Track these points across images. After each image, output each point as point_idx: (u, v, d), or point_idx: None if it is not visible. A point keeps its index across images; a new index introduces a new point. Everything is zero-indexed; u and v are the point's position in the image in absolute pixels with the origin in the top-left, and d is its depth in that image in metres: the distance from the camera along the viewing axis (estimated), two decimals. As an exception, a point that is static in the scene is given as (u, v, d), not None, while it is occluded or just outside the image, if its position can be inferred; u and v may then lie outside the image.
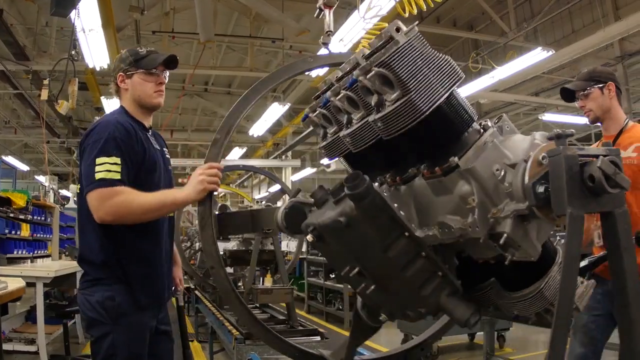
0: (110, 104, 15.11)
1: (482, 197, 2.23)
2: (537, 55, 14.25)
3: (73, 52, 8.78)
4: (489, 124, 2.40)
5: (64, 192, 23.90)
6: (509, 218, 2.17)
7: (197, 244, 12.02)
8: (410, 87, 2.18)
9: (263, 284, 8.57)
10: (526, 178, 2.15)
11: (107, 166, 3.43)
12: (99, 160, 3.44)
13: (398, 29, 2.25)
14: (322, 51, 4.21)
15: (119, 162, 3.48)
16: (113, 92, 4.02)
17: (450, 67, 2.29)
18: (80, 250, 3.77)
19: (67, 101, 9.38)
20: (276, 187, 31.82)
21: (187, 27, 15.63)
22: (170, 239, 4.01)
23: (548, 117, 20.22)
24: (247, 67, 17.73)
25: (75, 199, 16.63)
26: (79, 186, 3.75)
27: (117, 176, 3.44)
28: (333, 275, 14.58)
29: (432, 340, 3.53)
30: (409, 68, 2.20)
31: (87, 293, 3.61)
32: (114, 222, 3.45)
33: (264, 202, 8.97)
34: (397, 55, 2.19)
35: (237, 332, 6.54)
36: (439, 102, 2.22)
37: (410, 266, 2.39)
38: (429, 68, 2.23)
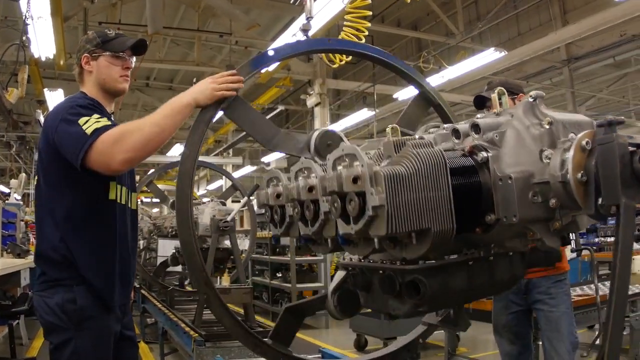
0: (54, 97, 14.65)
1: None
2: (489, 56, 14.31)
3: (24, 38, 8.38)
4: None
5: (2, 188, 23.29)
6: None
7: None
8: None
9: (220, 283, 8.27)
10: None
11: (93, 120, 3.16)
12: (81, 121, 3.16)
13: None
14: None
15: (102, 116, 3.25)
16: (75, 74, 3.74)
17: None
18: (38, 246, 3.46)
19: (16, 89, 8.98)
20: (215, 185, 31.62)
21: (133, 18, 15.32)
22: (134, 234, 3.73)
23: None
24: (192, 61, 17.45)
25: (16, 195, 16.15)
26: (36, 178, 3.50)
27: (109, 122, 3.19)
28: (280, 275, 14.38)
29: (418, 341, 3.33)
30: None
31: (45, 295, 3.29)
32: (136, 158, 3.12)
33: (216, 199, 8.66)
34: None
35: (196, 334, 6.24)
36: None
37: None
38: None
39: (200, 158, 20.11)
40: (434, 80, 15.71)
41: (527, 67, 18.27)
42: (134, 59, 3.76)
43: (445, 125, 2.50)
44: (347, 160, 2.01)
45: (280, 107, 20.65)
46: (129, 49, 3.66)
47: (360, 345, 10.45)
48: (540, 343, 5.18)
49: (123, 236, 3.54)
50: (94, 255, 3.34)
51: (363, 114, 19.90)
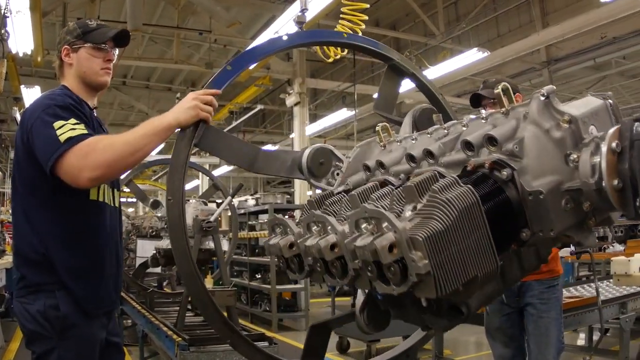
0: (31, 94, 14.36)
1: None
2: (472, 56, 14.28)
3: (3, 31, 8.17)
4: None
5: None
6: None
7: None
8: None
9: (202, 285, 8.12)
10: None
11: (69, 126, 3.00)
12: (57, 124, 3.00)
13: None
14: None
15: (79, 121, 3.07)
16: (55, 67, 3.58)
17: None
18: (16, 246, 3.30)
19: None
20: (192, 185, 31.33)
21: (112, 15, 15.12)
22: (118, 234, 3.58)
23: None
24: (171, 59, 17.28)
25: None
26: (12, 176, 3.37)
27: (85, 131, 3.02)
28: (259, 276, 14.23)
29: (418, 346, 3.22)
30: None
31: (26, 301, 3.13)
32: (104, 176, 2.97)
33: (197, 199, 8.51)
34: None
35: (180, 338, 6.07)
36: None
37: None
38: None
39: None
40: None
41: (506, 68, 18.28)
42: (117, 51, 3.60)
43: (448, 125, 2.37)
44: (372, 221, 1.83)
45: (260, 106, 20.48)
46: (111, 40, 3.50)
47: (343, 348, 10.34)
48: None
49: (106, 237, 3.38)
50: (75, 257, 3.18)
51: (342, 114, 19.76)
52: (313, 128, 20.08)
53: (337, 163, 2.83)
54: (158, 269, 9.72)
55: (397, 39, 19.97)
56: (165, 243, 8.13)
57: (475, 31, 17.80)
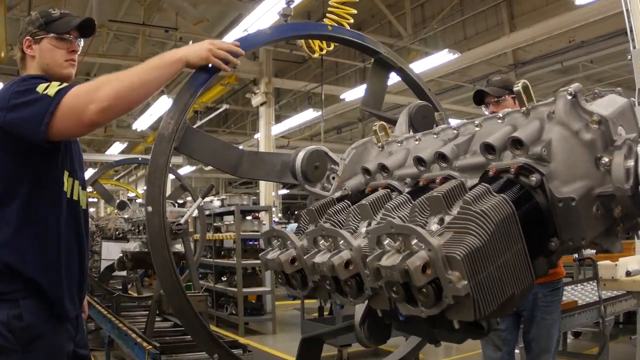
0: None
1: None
2: (443, 57, 14.23)
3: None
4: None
5: None
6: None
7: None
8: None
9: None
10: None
11: (55, 84, 2.81)
12: (39, 87, 2.79)
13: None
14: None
15: None
16: (17, 60, 3.33)
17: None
18: None
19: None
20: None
21: (77, 10, 14.76)
22: (86, 236, 3.35)
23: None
24: (136, 56, 17.00)
25: None
26: None
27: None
28: (225, 278, 14.02)
29: (412, 355, 3.09)
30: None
31: None
32: (113, 109, 2.72)
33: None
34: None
35: (150, 346, 5.85)
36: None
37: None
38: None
39: (141, 156, 19.66)
40: None
41: (472, 71, 18.32)
42: (82, 42, 3.35)
43: (457, 125, 2.20)
44: (399, 238, 1.63)
45: (225, 106, 20.26)
46: (75, 30, 3.27)
47: (312, 353, 10.10)
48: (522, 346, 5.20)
49: (76, 238, 3.18)
50: (44, 260, 2.96)
51: (308, 115, 19.62)
52: (278, 128, 19.91)
53: (332, 166, 2.64)
54: (123, 272, 9.49)
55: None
56: (132, 246, 7.93)
57: (442, 33, 17.80)
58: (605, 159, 1.74)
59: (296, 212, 21.59)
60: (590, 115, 1.79)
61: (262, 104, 18.09)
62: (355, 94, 17.85)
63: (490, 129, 2.04)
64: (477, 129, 2.11)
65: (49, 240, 2.99)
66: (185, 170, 27.86)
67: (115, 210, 10.14)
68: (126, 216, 9.07)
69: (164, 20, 16.08)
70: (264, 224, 14.55)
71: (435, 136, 2.27)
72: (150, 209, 2.31)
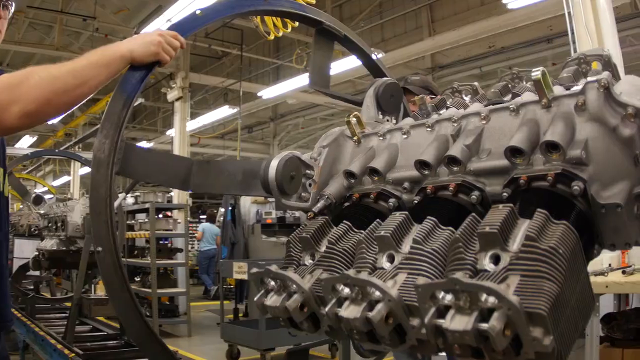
0: None
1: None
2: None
3: None
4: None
5: None
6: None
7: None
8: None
9: (94, 292, 7.48)
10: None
11: None
12: None
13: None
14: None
15: None
16: None
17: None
18: None
19: None
20: (62, 181, 30.06)
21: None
22: (6, 227, 2.99)
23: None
24: (51, 45, 16.40)
25: None
26: None
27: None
28: (138, 279, 13.56)
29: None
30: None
31: None
32: (40, 114, 2.24)
33: (87, 195, 7.89)
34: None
35: (73, 353, 5.48)
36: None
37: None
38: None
39: (49, 151, 18.84)
40: (301, 80, 16.04)
41: (390, 73, 18.34)
42: (12, 7, 2.86)
43: (455, 116, 1.95)
44: (464, 295, 1.35)
45: (140, 100, 19.71)
46: None
47: (233, 357, 9.90)
48: None
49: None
50: None
51: (224, 111, 19.34)
52: (191, 125, 19.54)
53: (307, 171, 2.31)
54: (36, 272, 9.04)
55: (282, 38, 19.73)
56: (49, 244, 7.50)
57: (360, 34, 17.72)
58: (644, 155, 1.59)
59: (207, 212, 21.17)
60: (624, 107, 1.60)
61: (177, 99, 17.67)
62: (272, 92, 17.67)
63: (502, 124, 1.84)
64: (483, 122, 1.88)
65: None
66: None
67: (29, 205, 9.61)
68: (42, 212, 8.59)
69: (81, 10, 15.50)
70: (179, 223, 14.19)
71: (428, 129, 2.04)
72: (100, 249, 2.00)
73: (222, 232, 14.78)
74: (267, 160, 2.27)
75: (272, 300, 1.79)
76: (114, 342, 6.33)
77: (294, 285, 1.71)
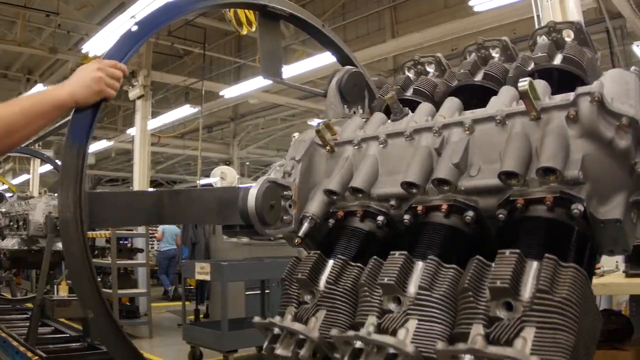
0: None
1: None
2: (328, 58, 14.17)
3: None
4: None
5: None
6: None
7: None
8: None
9: (57, 293, 7.33)
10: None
11: None
12: None
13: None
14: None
15: None
16: None
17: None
18: None
19: None
20: (21, 179, 29.52)
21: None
22: None
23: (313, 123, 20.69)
24: (13, 40, 16.14)
25: None
26: None
27: None
28: (99, 279, 13.35)
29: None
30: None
31: None
32: None
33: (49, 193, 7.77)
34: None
35: (36, 356, 5.37)
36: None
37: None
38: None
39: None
40: (263, 80, 15.57)
41: (352, 75, 18.44)
42: None
43: (436, 126, 1.89)
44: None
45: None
46: None
47: (195, 358, 9.84)
48: None
49: None
50: None
51: (185, 111, 19.22)
52: (152, 124, 19.34)
53: (284, 193, 2.20)
54: None
55: (244, 37, 19.67)
56: (10, 243, 7.34)
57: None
58: (640, 165, 1.58)
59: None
60: (618, 118, 1.57)
61: (139, 97, 17.45)
62: (234, 91, 17.60)
63: (488, 136, 1.79)
64: (467, 133, 1.82)
65: None
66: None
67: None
68: (3, 210, 8.42)
69: (45, 5, 15.29)
70: (140, 222, 14.03)
71: (407, 139, 1.96)
72: (91, 315, 2.00)
73: (183, 232, 14.66)
74: (244, 191, 2.17)
75: (283, 350, 1.78)
76: (77, 344, 6.24)
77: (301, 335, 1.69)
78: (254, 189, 2.14)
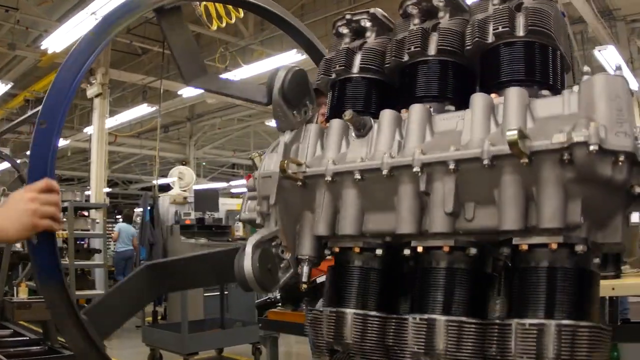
0: None
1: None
2: (290, 57, 14.25)
3: None
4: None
5: None
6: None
7: None
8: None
9: (16, 295, 7.17)
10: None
11: None
12: None
13: None
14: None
15: None
16: None
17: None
18: None
19: None
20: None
21: None
22: None
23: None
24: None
25: None
26: None
27: None
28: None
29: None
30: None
31: None
32: None
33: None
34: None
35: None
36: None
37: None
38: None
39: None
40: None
41: (313, 74, 18.40)
42: None
43: (415, 162, 1.77)
44: None
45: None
46: None
47: (155, 361, 9.67)
48: None
49: None
50: None
51: (142, 110, 19.07)
52: (109, 123, 19.14)
53: (274, 242, 2.12)
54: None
55: (203, 35, 19.54)
56: (-33, 243, 7.17)
57: (280, 37, 17.77)
58: (638, 189, 1.59)
59: (123, 212, 20.91)
60: (615, 155, 1.53)
61: (97, 96, 17.22)
62: (192, 90, 17.53)
63: (477, 177, 1.70)
64: (453, 174, 1.73)
65: None
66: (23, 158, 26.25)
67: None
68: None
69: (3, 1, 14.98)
70: (98, 222, 13.85)
71: (386, 175, 1.82)
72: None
73: (140, 232, 14.52)
74: (238, 258, 2.06)
75: None
76: (38, 347, 6.12)
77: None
78: (247, 258, 2.04)
